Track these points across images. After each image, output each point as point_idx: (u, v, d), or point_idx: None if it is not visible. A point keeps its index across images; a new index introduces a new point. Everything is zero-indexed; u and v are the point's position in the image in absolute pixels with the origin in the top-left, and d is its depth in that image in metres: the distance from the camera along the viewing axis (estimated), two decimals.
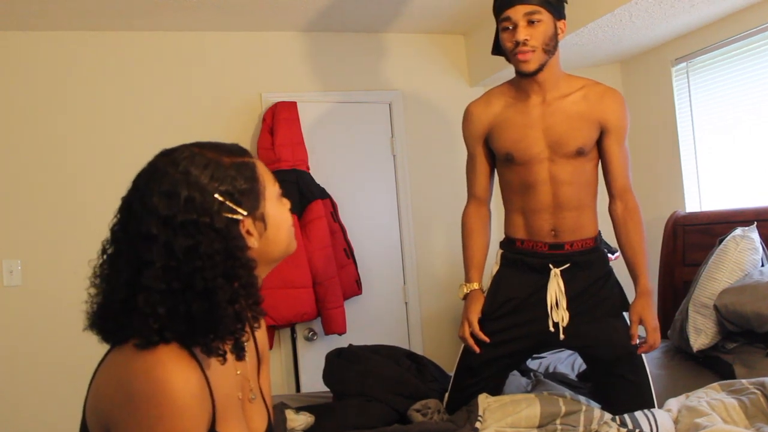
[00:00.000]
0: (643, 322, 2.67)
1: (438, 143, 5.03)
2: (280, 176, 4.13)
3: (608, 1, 3.65)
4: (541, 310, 2.73)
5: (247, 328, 1.51)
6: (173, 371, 1.30)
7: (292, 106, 4.42)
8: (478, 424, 2.47)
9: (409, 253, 4.94)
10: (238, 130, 4.54)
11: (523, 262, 2.81)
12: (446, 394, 2.96)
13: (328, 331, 4.28)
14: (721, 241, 3.55)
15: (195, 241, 1.33)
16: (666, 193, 4.62)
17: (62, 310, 4.08)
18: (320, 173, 4.47)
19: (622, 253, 2.81)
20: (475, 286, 2.87)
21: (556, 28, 2.64)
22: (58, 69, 4.27)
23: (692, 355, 3.41)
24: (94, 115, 4.31)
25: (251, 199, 1.44)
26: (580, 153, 2.70)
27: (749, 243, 3.42)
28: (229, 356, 1.45)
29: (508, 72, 4.53)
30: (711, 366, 3.31)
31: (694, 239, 4.09)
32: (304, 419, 2.75)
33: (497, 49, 2.81)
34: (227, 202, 1.39)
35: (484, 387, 2.78)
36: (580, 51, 4.42)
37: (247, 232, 1.42)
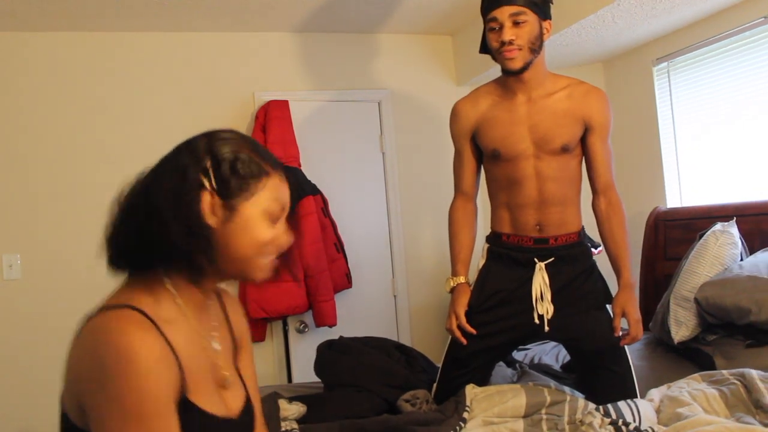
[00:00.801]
0: (626, 315, 2.70)
1: (426, 141, 5.07)
2: None
3: (591, 3, 3.68)
4: (527, 303, 2.75)
5: (217, 309, 1.66)
6: (135, 336, 1.33)
7: (284, 104, 4.46)
8: (465, 414, 2.47)
9: (398, 247, 4.98)
10: (232, 128, 4.54)
11: (509, 256, 2.83)
12: (434, 385, 2.96)
13: (319, 324, 4.32)
14: (701, 236, 3.57)
15: (165, 182, 1.47)
16: (647, 189, 4.65)
17: (61, 303, 4.11)
18: (311, 170, 4.50)
19: (605, 247, 2.85)
20: (462, 280, 2.89)
21: (541, 28, 2.68)
22: (56, 68, 4.28)
23: (673, 346, 3.42)
24: (91, 114, 4.33)
25: (233, 185, 1.47)
26: (564, 150, 2.73)
27: (729, 238, 3.45)
28: (194, 329, 1.52)
29: (495, 71, 4.58)
30: (692, 357, 3.31)
31: (675, 234, 4.12)
32: (296, 409, 2.75)
33: (484, 48, 2.85)
34: (210, 169, 1.47)
35: (471, 378, 2.79)
36: (564, 51, 4.45)
37: (210, 206, 1.45)
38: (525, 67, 2.67)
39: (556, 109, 2.74)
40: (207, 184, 1.45)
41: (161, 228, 1.41)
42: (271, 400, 2.68)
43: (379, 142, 4.98)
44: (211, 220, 1.45)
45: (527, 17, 2.62)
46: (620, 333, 2.72)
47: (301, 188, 4.31)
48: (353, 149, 4.89)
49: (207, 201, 1.44)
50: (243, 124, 4.60)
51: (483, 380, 2.88)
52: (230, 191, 1.46)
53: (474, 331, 2.77)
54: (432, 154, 5.06)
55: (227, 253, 1.48)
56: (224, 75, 4.62)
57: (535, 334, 2.82)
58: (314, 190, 4.41)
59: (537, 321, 2.74)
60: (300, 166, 4.44)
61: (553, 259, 2.78)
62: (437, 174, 5.00)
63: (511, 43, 2.62)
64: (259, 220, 1.49)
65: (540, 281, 2.76)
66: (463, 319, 2.79)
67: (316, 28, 4.73)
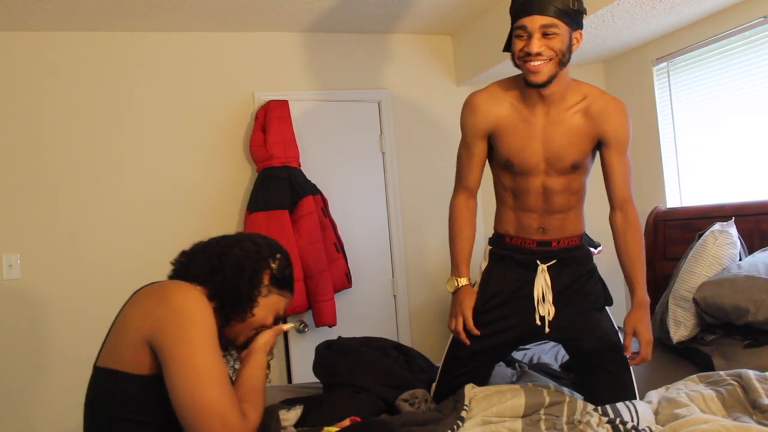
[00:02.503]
0: (637, 335, 2.66)
1: (426, 141, 5.08)
2: (272, 173, 4.23)
3: (592, 3, 3.64)
4: (528, 304, 2.75)
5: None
6: (198, 298, 1.89)
7: (283, 104, 4.46)
8: (464, 413, 2.47)
9: (398, 247, 4.99)
10: (232, 127, 4.58)
11: (512, 258, 2.82)
12: (434, 384, 2.96)
13: (318, 324, 4.32)
14: (700, 236, 3.57)
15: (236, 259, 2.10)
16: (647, 189, 4.64)
17: (61, 303, 4.15)
18: (311, 170, 4.51)
19: (621, 263, 2.78)
20: (465, 281, 2.85)
21: (571, 39, 2.54)
22: (55, 68, 4.29)
23: (672, 346, 3.42)
24: (91, 114, 4.33)
25: (280, 282, 2.16)
26: (574, 168, 2.70)
27: (727, 238, 3.44)
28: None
29: (495, 72, 4.61)
30: (690, 357, 3.32)
31: (674, 234, 4.12)
32: (295, 415, 2.75)
33: (509, 47, 2.66)
34: (277, 263, 2.16)
35: (471, 377, 2.78)
36: None
37: (266, 281, 2.11)
38: (549, 81, 2.55)
39: (571, 126, 2.67)
40: (273, 269, 2.13)
41: (235, 270, 2.06)
42: (271, 416, 2.63)
43: (378, 142, 4.98)
44: (259, 288, 2.09)
45: (558, 30, 2.47)
46: (630, 353, 2.69)
47: (301, 188, 4.32)
48: (353, 149, 4.89)
49: (267, 277, 2.11)
50: (243, 124, 4.61)
51: (483, 380, 2.88)
52: (278, 283, 2.14)
53: (478, 333, 2.76)
54: (432, 154, 5.07)
55: (234, 334, 2.11)
56: (224, 75, 4.62)
57: (535, 334, 2.82)
58: (314, 190, 4.41)
59: (538, 322, 2.74)
60: (300, 165, 4.45)
61: (555, 261, 2.77)
62: (437, 174, 5.01)
63: (538, 55, 2.48)
64: (272, 311, 2.14)
65: (542, 283, 2.75)
66: (471, 322, 2.77)
67: (317, 28, 4.73)
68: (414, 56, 5.10)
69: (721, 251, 3.44)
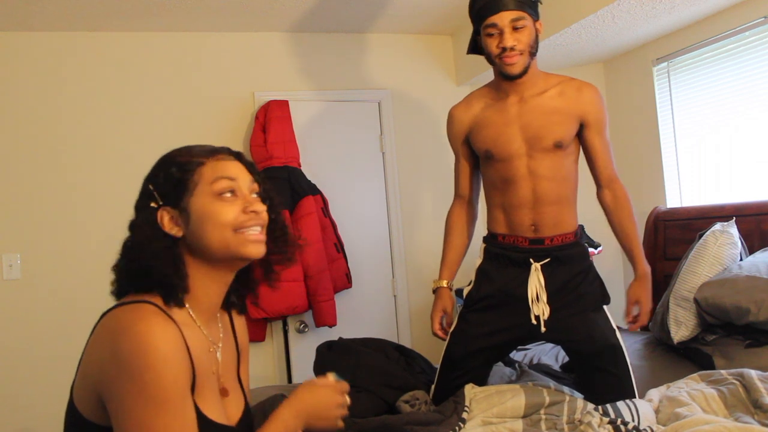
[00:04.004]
0: (639, 304, 2.78)
1: (426, 141, 5.08)
2: (272, 173, 4.22)
3: (591, 3, 3.69)
4: (523, 304, 2.75)
5: (225, 323, 1.76)
6: (153, 324, 1.42)
7: (284, 104, 4.46)
8: (465, 415, 2.47)
9: (398, 247, 4.99)
10: (232, 128, 4.58)
11: (505, 256, 2.84)
12: (432, 386, 2.97)
13: (318, 324, 4.32)
14: (700, 236, 3.57)
15: (135, 220, 1.62)
16: (648, 189, 4.66)
17: (61, 303, 4.15)
18: (311, 170, 4.51)
19: (618, 240, 2.88)
20: (443, 283, 3.02)
21: (536, 29, 2.70)
22: (55, 68, 4.29)
23: (673, 346, 3.42)
24: (91, 114, 4.34)
25: (175, 191, 1.59)
26: (558, 146, 2.72)
27: (728, 238, 3.45)
28: (203, 336, 1.62)
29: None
30: (691, 357, 3.31)
31: (674, 234, 4.12)
32: None
33: (473, 49, 2.89)
34: (154, 192, 1.61)
35: (469, 379, 2.79)
36: (564, 51, 4.46)
37: (170, 219, 1.58)
38: (524, 72, 2.70)
39: (547, 107, 2.75)
40: (155, 204, 1.59)
41: (141, 258, 1.56)
42: (277, 402, 2.65)
43: (379, 142, 4.98)
44: (174, 230, 1.58)
45: (525, 21, 2.64)
46: (630, 318, 2.82)
47: (301, 188, 4.33)
48: (353, 149, 4.90)
49: (165, 217, 1.58)
50: (243, 124, 4.61)
51: (480, 381, 2.86)
52: (175, 197, 1.59)
53: (445, 337, 2.91)
54: (432, 154, 5.07)
55: (207, 245, 1.59)
56: (224, 75, 4.63)
57: (532, 335, 2.81)
58: (314, 190, 4.42)
59: (534, 321, 2.74)
60: (300, 166, 4.45)
61: (548, 259, 2.77)
62: (437, 174, 5.02)
63: (513, 48, 2.63)
64: (212, 205, 1.59)
65: (535, 282, 2.75)
66: (437, 325, 2.99)
67: (317, 28, 4.73)
68: (414, 56, 5.10)
69: (721, 251, 3.44)
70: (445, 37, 5.17)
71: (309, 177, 4.45)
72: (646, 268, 2.82)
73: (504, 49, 2.64)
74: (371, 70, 4.98)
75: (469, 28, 4.81)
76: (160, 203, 1.58)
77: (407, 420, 2.53)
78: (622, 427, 2.23)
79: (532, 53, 2.69)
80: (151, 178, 1.63)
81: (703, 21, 4.08)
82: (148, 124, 4.42)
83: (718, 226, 3.54)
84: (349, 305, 4.73)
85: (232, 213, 1.60)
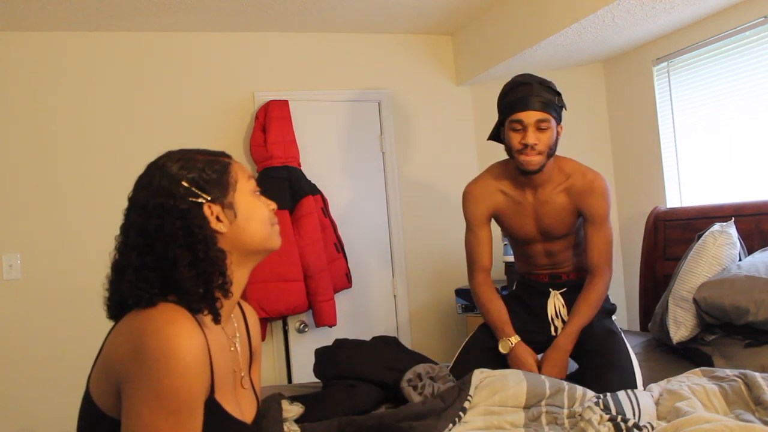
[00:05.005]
0: (542, 370, 2.90)
1: (426, 141, 5.08)
2: (272, 173, 4.22)
3: (591, 2, 3.69)
4: (544, 322, 3.11)
5: (239, 318, 1.76)
6: (182, 330, 1.43)
7: (284, 104, 4.46)
8: (467, 404, 2.47)
9: (398, 247, 4.99)
10: (232, 128, 4.57)
11: (529, 286, 3.24)
12: (454, 357, 3.18)
13: (318, 324, 4.32)
14: (700, 236, 3.55)
15: (162, 221, 1.52)
16: (647, 189, 4.66)
17: (61, 303, 4.15)
18: (311, 170, 4.51)
19: (573, 306, 3.05)
20: (516, 339, 3.03)
21: (557, 131, 2.88)
22: (55, 68, 4.29)
23: (672, 347, 3.41)
24: (91, 113, 4.33)
25: (218, 188, 1.61)
26: (567, 234, 3.09)
27: (727, 238, 3.44)
28: (223, 334, 1.63)
29: (495, 72, 4.62)
30: (690, 357, 3.30)
31: (674, 234, 4.13)
32: (296, 410, 2.76)
33: (495, 136, 3.07)
34: (192, 188, 1.57)
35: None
36: (564, 51, 4.45)
37: (217, 217, 1.59)
38: (541, 169, 2.89)
39: (557, 205, 3.01)
40: (202, 198, 1.58)
41: (184, 271, 1.51)
42: (275, 400, 2.66)
43: (379, 141, 4.98)
44: (219, 226, 1.59)
45: (549, 124, 2.82)
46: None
47: (301, 188, 4.33)
48: (353, 149, 4.89)
49: (211, 213, 1.58)
50: (243, 124, 4.61)
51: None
52: (220, 190, 1.61)
53: None
54: (432, 154, 5.08)
55: (251, 239, 1.65)
56: (224, 75, 4.63)
57: (544, 347, 3.06)
58: (314, 190, 4.41)
59: (554, 333, 3.08)
60: (300, 166, 4.44)
61: (565, 289, 3.16)
62: (437, 173, 5.03)
63: (533, 147, 2.81)
64: (252, 201, 1.67)
65: (554, 302, 3.13)
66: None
67: (316, 28, 4.74)
68: (414, 56, 5.10)
69: (720, 251, 3.43)
70: (445, 37, 5.17)
71: (309, 177, 4.44)
72: (568, 344, 2.96)
73: (525, 146, 2.82)
74: (371, 70, 4.98)
75: (468, 28, 4.83)
76: (208, 198, 1.59)
77: (403, 416, 2.51)
78: (622, 425, 2.22)
79: (550, 154, 2.88)
80: (178, 178, 1.57)
81: (702, 21, 4.08)
82: (148, 124, 4.42)
83: (717, 226, 3.53)
84: (349, 305, 4.73)
85: (266, 209, 1.70)
